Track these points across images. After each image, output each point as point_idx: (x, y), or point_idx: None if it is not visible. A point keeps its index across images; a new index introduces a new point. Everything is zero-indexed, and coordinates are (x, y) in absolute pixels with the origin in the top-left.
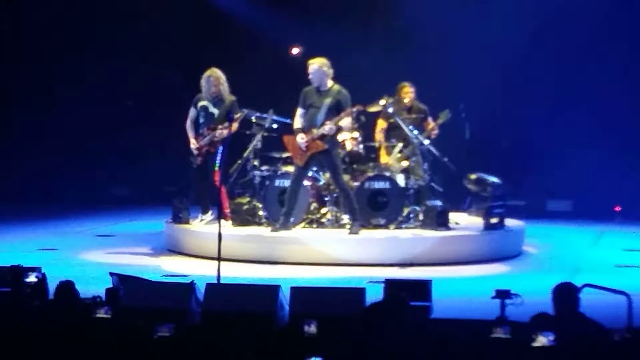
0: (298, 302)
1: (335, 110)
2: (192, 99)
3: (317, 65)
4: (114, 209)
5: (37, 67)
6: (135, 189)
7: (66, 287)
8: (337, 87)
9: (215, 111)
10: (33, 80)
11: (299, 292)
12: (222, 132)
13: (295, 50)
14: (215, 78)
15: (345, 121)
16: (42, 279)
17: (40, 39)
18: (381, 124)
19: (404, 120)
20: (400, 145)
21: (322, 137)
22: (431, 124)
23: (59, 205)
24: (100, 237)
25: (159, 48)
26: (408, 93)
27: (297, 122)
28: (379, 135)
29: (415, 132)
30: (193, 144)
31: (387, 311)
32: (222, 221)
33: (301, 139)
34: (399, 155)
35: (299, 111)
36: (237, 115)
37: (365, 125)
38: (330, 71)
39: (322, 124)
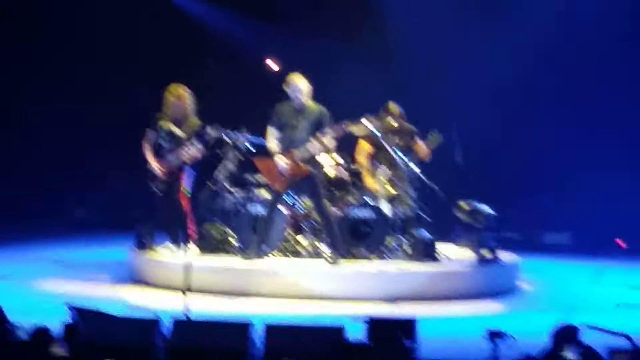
0: (272, 340)
1: (316, 129)
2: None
3: (299, 80)
4: (74, 234)
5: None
6: (99, 212)
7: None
8: (315, 104)
9: (179, 132)
10: None
11: (273, 330)
12: (189, 150)
13: (270, 63)
14: (177, 96)
15: (332, 142)
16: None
17: (3, 59)
18: (364, 146)
19: (390, 144)
20: (386, 169)
21: (305, 159)
22: (421, 145)
23: (14, 228)
24: (58, 264)
25: (126, 63)
26: (394, 113)
27: (272, 143)
28: (361, 158)
29: (403, 156)
30: (158, 169)
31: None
32: (189, 244)
33: (281, 160)
34: (384, 180)
35: (272, 130)
36: (210, 134)
37: (347, 148)
38: (309, 88)
39: (305, 144)
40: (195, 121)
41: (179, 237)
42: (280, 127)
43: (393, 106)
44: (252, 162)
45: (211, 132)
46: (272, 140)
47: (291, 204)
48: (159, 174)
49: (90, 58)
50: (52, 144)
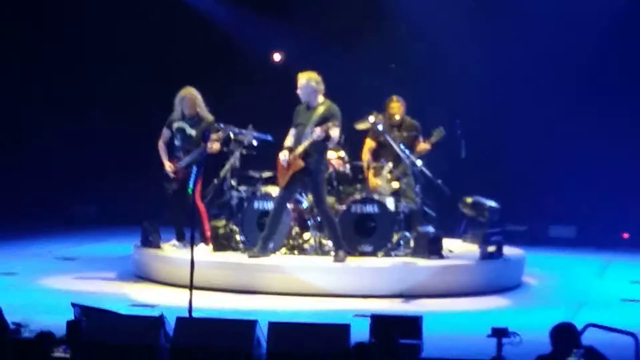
0: (276, 339)
1: (320, 125)
2: (165, 117)
3: (305, 80)
4: (78, 229)
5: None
6: (103, 208)
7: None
8: (327, 103)
9: (193, 132)
10: None
11: (277, 328)
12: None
13: (276, 57)
14: (190, 98)
15: (335, 132)
16: None
17: (8, 52)
18: (369, 143)
19: (395, 139)
20: (390, 165)
21: (304, 155)
22: (423, 143)
23: (18, 224)
24: (62, 261)
25: (130, 57)
26: (397, 107)
27: (287, 141)
28: (366, 155)
29: (407, 151)
30: (169, 167)
31: (375, 350)
32: (202, 245)
33: (283, 156)
34: (388, 176)
35: (291, 130)
36: (215, 135)
37: (352, 144)
38: (321, 87)
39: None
40: (209, 120)
41: (184, 235)
42: (296, 126)
43: (395, 100)
44: (275, 156)
45: (218, 129)
46: (288, 139)
47: (296, 200)
48: (170, 173)
49: (91, 45)
50: (55, 141)
